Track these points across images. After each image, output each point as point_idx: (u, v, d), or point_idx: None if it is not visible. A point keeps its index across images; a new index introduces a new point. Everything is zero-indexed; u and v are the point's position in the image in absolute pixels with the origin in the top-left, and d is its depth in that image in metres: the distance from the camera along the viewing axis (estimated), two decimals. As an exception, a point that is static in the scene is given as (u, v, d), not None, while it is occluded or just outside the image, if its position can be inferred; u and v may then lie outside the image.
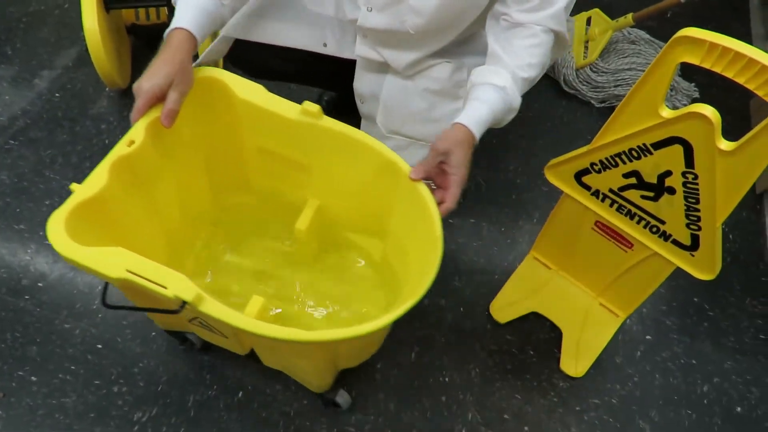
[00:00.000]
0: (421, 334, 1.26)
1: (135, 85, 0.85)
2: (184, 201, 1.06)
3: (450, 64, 1.13)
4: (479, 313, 1.30)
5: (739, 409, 1.21)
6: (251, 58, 1.26)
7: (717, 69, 0.75)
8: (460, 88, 1.17)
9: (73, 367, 1.16)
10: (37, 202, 1.39)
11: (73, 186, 0.81)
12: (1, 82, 1.61)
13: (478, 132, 0.93)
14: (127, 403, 1.12)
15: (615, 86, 1.66)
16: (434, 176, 0.92)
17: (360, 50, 1.16)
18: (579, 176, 1.06)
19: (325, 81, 1.48)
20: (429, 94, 1.16)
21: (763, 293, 1.38)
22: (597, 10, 1.74)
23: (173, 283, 0.74)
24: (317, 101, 1.59)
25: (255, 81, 0.96)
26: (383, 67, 1.18)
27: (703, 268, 1.00)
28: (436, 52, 1.12)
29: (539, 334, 1.28)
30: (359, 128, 1.30)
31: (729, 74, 0.75)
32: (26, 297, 1.24)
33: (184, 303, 0.74)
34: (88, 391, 1.13)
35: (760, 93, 0.74)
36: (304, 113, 0.93)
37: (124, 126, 1.55)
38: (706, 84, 1.69)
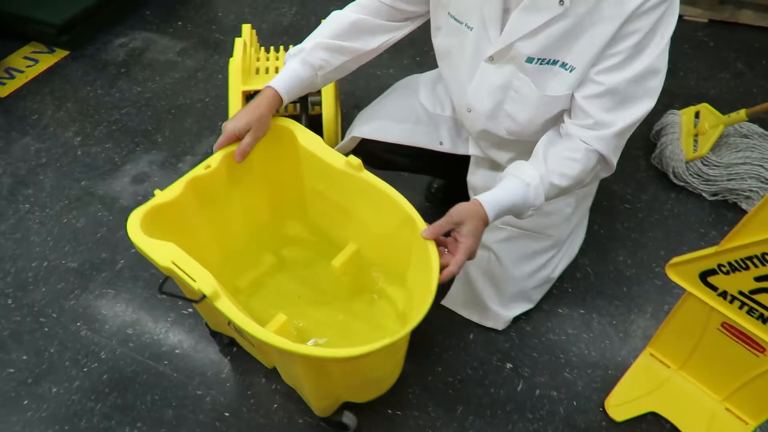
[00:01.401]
0: (533, 426, 1.25)
1: (223, 124, 1.09)
2: (248, 224, 1.27)
3: None
4: (593, 408, 1.28)
5: None
6: (374, 154, 1.39)
7: None
8: None
9: (203, 433, 1.25)
10: (177, 274, 1.55)
11: (156, 191, 1.04)
12: (152, 165, 1.85)
13: (491, 213, 0.97)
14: (250, 473, 1.18)
15: (728, 180, 1.64)
16: (448, 243, 0.98)
17: (472, 149, 1.27)
18: (704, 276, 1.06)
19: (439, 172, 1.59)
20: None
21: None
22: (706, 104, 1.75)
23: (201, 279, 0.91)
24: (427, 188, 1.70)
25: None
26: (495, 165, 1.26)
27: None
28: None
29: (659, 437, 1.23)
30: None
31: None
32: (165, 362, 1.36)
33: (204, 296, 0.90)
34: (216, 457, 1.21)
35: None
36: (348, 165, 1.09)
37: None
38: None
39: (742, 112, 1.63)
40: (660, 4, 0.89)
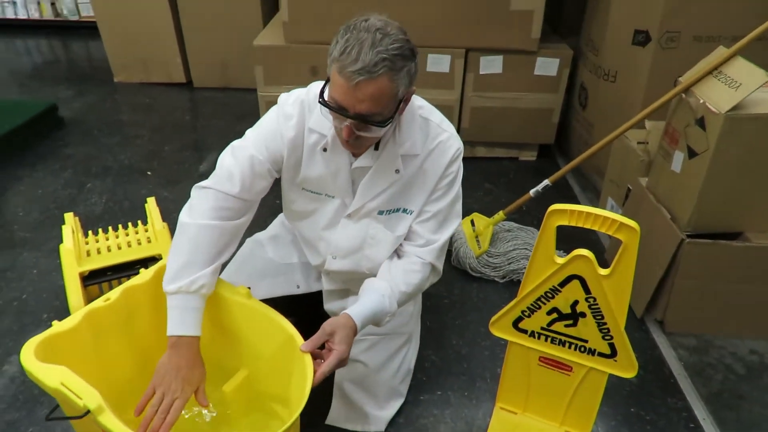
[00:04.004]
0: (430, 503, 1.38)
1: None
2: (138, 360, 1.30)
3: None
4: (472, 469, 1.46)
5: (702, 487, 1.43)
6: None
7: (579, 224, 1.19)
8: None
9: None
10: (27, 482, 1.38)
11: (54, 322, 1.12)
12: (-31, 377, 1.66)
13: (359, 321, 1.16)
14: None
15: (508, 263, 2.12)
16: (323, 354, 1.12)
17: (327, 285, 1.50)
18: (516, 324, 1.40)
19: (296, 311, 1.74)
20: None
21: (677, 392, 1.71)
22: (476, 213, 2.29)
23: (87, 396, 0.97)
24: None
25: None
26: (344, 293, 1.52)
27: (626, 368, 1.32)
28: None
29: (528, 472, 1.46)
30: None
31: (587, 225, 1.18)
32: None
33: (88, 411, 0.96)
34: None
35: (609, 232, 1.16)
36: (235, 293, 1.23)
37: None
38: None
39: (501, 213, 2.18)
40: (459, 156, 1.33)
